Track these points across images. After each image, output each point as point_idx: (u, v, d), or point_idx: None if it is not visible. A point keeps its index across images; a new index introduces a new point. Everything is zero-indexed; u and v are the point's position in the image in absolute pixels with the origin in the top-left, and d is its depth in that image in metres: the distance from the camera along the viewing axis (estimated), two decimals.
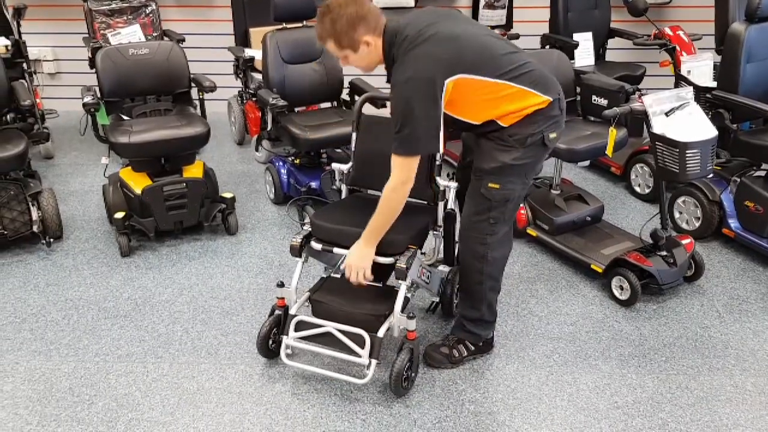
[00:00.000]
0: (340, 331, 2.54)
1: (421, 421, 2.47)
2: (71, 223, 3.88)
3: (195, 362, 2.78)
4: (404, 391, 2.57)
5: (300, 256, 2.69)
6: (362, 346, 2.48)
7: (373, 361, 2.48)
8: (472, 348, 2.75)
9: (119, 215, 3.51)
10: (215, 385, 2.65)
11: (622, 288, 3.12)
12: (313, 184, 3.80)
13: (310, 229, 2.70)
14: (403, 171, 2.33)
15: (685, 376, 2.69)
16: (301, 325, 2.60)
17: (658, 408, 2.53)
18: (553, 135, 2.45)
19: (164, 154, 3.59)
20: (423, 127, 2.28)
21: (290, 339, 2.60)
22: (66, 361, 2.78)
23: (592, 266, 3.25)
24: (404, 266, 2.49)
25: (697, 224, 3.63)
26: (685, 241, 3.18)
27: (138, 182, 3.53)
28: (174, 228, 3.61)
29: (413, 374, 2.61)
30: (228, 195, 3.74)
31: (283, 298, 2.70)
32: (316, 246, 2.65)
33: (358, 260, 2.48)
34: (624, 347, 2.86)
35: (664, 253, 3.11)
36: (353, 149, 2.90)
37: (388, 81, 2.40)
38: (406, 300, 2.60)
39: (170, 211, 3.54)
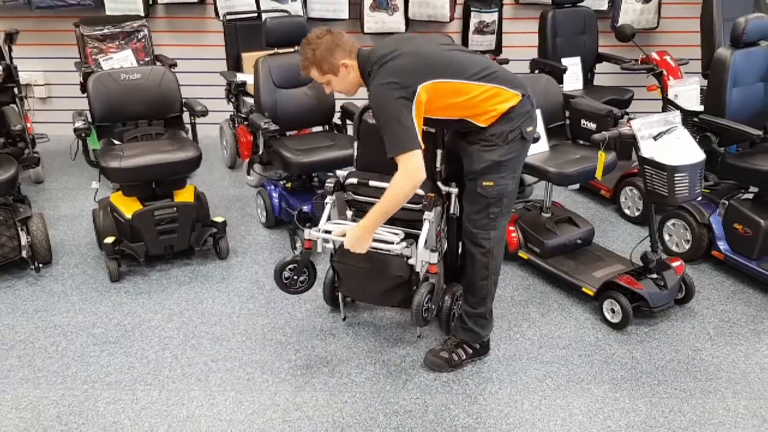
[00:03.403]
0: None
1: None
2: (60, 248, 3.86)
3: (185, 389, 2.75)
4: (425, 323, 2.75)
5: (332, 194, 2.87)
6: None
7: (403, 244, 2.69)
8: (471, 351, 2.87)
9: (109, 240, 3.49)
10: (205, 413, 2.62)
11: (613, 311, 3.12)
12: (305, 208, 3.80)
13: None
14: (405, 168, 2.47)
15: (678, 400, 2.69)
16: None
17: None
18: (529, 129, 2.65)
19: (155, 178, 3.59)
20: (400, 128, 2.44)
21: (328, 225, 2.81)
22: (54, 389, 2.75)
23: (584, 289, 3.26)
24: (430, 204, 2.69)
25: (687, 247, 3.65)
26: (675, 264, 3.19)
27: (128, 207, 3.52)
28: (164, 253, 3.59)
29: (433, 306, 2.79)
30: (219, 219, 3.73)
31: (310, 240, 2.81)
32: (352, 180, 2.86)
33: (354, 245, 2.63)
34: (616, 371, 2.85)
35: (654, 275, 3.12)
36: (355, 157, 2.99)
37: None
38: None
39: (161, 236, 3.52)
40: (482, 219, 2.67)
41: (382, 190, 2.69)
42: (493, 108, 2.56)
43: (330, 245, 2.87)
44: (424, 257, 2.71)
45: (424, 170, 2.48)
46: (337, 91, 2.70)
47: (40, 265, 3.58)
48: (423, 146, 2.47)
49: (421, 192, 2.71)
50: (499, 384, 2.78)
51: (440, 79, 2.50)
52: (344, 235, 2.66)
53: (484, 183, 2.62)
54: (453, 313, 3.00)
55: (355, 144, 2.99)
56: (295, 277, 2.89)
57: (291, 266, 2.88)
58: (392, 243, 2.69)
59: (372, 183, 2.84)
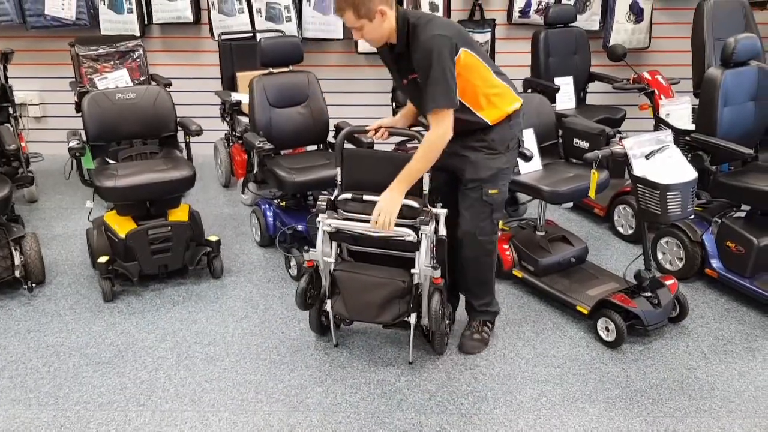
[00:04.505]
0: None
1: None
2: (54, 267, 3.84)
3: (178, 410, 2.73)
4: (445, 328, 2.93)
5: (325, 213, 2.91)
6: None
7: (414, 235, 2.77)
8: (491, 325, 3.19)
9: (103, 259, 3.48)
10: None
11: (608, 329, 3.12)
12: (300, 227, 3.81)
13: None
14: (441, 125, 2.59)
15: (672, 419, 2.68)
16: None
17: None
18: (522, 139, 2.92)
19: (150, 197, 3.59)
20: (449, 82, 2.55)
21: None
22: (46, 410, 2.73)
23: (578, 307, 3.26)
24: (427, 218, 2.74)
25: (680, 265, 3.66)
26: (668, 282, 3.20)
27: (122, 226, 3.52)
28: (158, 272, 3.58)
29: (448, 311, 2.99)
30: (213, 238, 3.72)
31: (312, 260, 2.91)
32: (346, 195, 2.88)
33: (388, 204, 2.68)
34: (611, 389, 2.85)
35: (648, 294, 3.12)
36: (339, 183, 2.98)
37: (392, 59, 2.76)
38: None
39: (155, 255, 3.52)
40: (488, 226, 2.85)
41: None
42: (501, 106, 2.72)
43: (331, 259, 2.91)
44: (426, 272, 2.78)
45: (450, 132, 2.61)
46: (366, 38, 2.69)
47: (33, 285, 3.57)
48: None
49: (416, 204, 2.75)
50: (494, 403, 2.77)
51: (471, 50, 2.63)
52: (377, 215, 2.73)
53: (490, 191, 2.77)
54: (447, 331, 2.99)
55: (339, 170, 2.96)
56: (315, 293, 2.96)
57: (310, 287, 2.92)
58: (406, 234, 2.77)
59: (366, 197, 2.84)
